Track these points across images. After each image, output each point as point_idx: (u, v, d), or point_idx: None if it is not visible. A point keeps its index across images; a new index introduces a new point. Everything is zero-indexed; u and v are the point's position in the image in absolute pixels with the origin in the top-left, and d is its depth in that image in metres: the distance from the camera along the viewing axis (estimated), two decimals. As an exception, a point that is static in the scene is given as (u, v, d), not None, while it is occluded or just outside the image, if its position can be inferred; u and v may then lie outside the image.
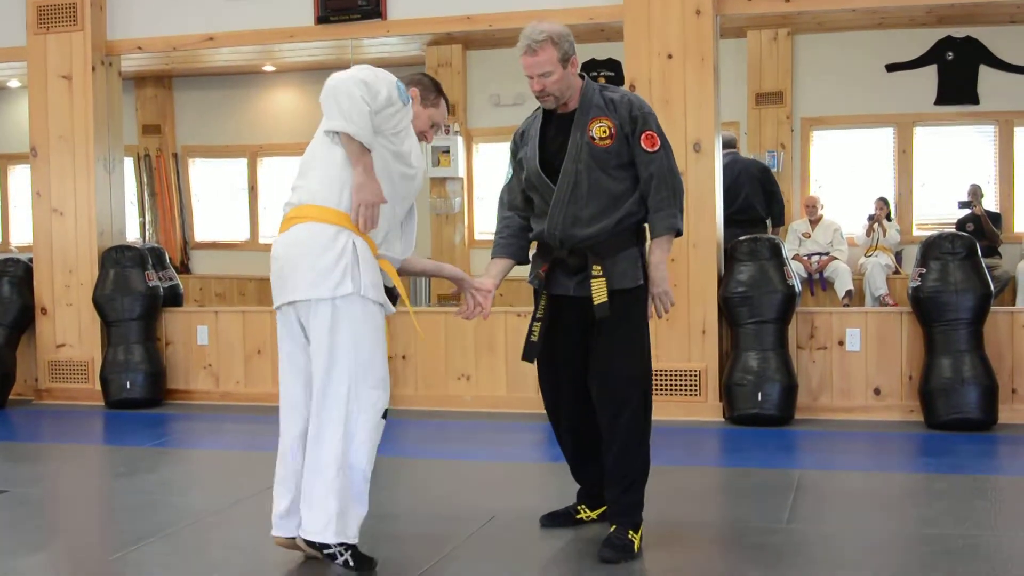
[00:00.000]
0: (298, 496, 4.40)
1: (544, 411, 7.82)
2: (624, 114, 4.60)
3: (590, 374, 4.69)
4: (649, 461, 4.70)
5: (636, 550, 4.53)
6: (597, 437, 4.75)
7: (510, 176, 4.94)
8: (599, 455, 4.79)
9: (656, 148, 4.58)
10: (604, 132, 4.58)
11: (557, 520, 4.99)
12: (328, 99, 4.25)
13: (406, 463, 6.69)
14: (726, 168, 8.64)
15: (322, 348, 4.27)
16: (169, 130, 14.18)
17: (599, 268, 4.57)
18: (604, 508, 4.86)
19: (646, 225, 4.69)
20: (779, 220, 9.97)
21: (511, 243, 4.92)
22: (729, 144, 9.50)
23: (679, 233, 4.64)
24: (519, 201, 4.88)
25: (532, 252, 4.91)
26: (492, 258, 4.96)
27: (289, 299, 4.32)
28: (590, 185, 4.57)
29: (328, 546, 4.30)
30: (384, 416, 4.40)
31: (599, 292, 4.54)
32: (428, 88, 4.70)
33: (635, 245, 4.65)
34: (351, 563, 4.33)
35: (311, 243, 4.26)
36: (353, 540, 4.33)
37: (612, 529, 4.60)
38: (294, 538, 4.44)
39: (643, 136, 4.58)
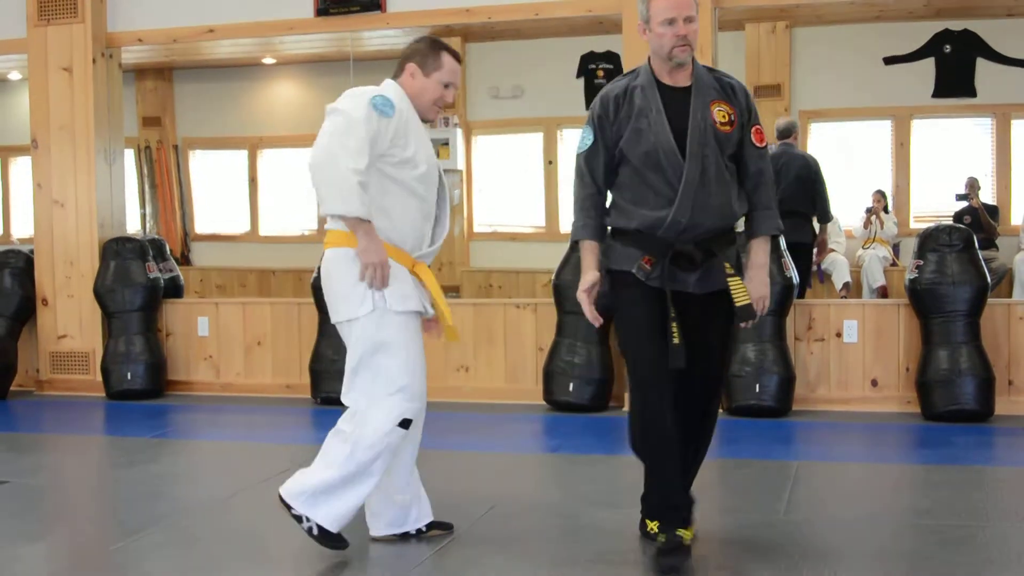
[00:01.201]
0: (381, 497, 4.61)
1: (543, 402, 7.87)
2: (743, 102, 4.33)
3: (697, 371, 4.30)
4: None
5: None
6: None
7: (589, 144, 4.38)
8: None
9: (764, 144, 4.36)
10: (725, 117, 4.27)
11: (675, 555, 4.31)
12: (318, 185, 4.26)
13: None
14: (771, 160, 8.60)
15: (348, 358, 4.44)
16: (169, 122, 14.19)
17: (729, 265, 4.29)
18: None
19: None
20: (823, 217, 9.69)
21: (598, 224, 4.40)
22: (785, 134, 9.40)
23: (778, 235, 4.44)
24: (602, 175, 4.38)
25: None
26: (582, 239, 4.41)
27: (332, 320, 4.53)
28: (716, 172, 4.24)
29: (292, 508, 4.41)
30: (404, 425, 4.40)
31: (740, 293, 4.24)
32: (426, 55, 4.53)
33: (735, 241, 4.39)
34: (315, 532, 4.40)
35: (333, 270, 4.43)
36: (318, 521, 4.38)
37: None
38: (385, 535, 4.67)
39: (755, 130, 4.34)
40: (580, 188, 4.42)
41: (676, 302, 4.24)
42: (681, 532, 4.29)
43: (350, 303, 4.38)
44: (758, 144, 4.34)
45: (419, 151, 4.46)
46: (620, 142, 4.30)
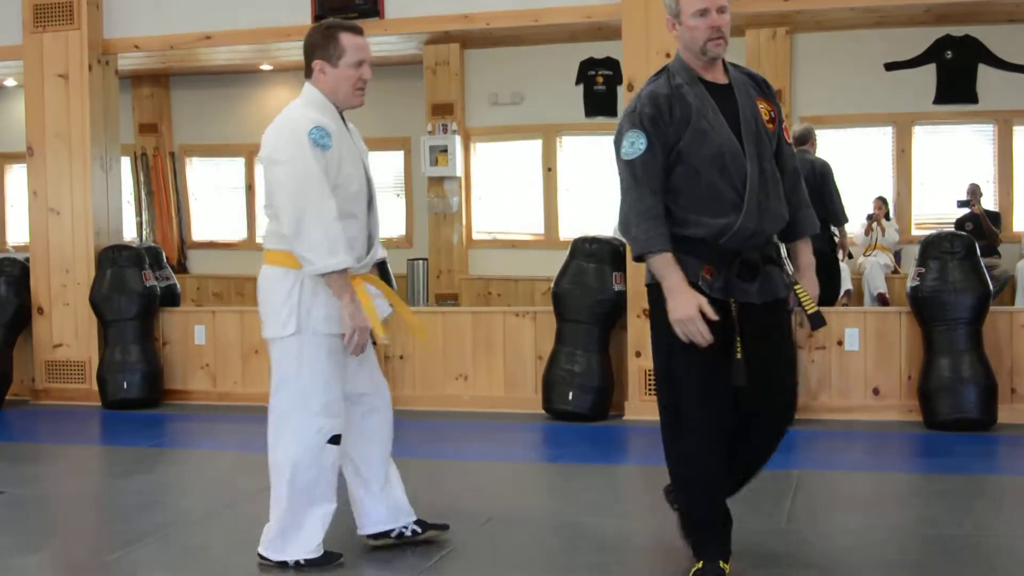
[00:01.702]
0: (364, 493, 4.69)
1: (543, 411, 7.83)
2: (774, 98, 4.14)
3: (763, 387, 4.11)
4: None
5: None
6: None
7: (643, 148, 4.00)
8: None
9: (792, 141, 4.16)
10: (768, 115, 4.07)
11: None
12: (302, 250, 4.26)
13: (404, 463, 6.64)
14: None
15: (272, 377, 4.48)
16: (166, 129, 14.17)
17: (792, 273, 4.11)
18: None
19: None
20: (835, 219, 9.28)
21: (667, 233, 3.99)
22: (801, 140, 9.35)
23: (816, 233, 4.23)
24: (660, 181, 4.01)
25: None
26: (655, 251, 3.97)
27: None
28: (772, 172, 4.03)
29: (271, 560, 4.48)
30: (334, 441, 4.44)
31: (808, 300, 4.05)
32: (326, 45, 4.40)
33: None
34: (302, 565, 4.46)
35: (267, 287, 4.46)
36: (295, 557, 4.45)
37: None
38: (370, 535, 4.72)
39: (784, 125, 4.15)
40: (638, 197, 4.00)
41: (739, 314, 4.00)
42: (724, 565, 4.11)
43: (277, 322, 4.40)
44: (789, 141, 4.19)
45: (351, 169, 4.43)
46: (678, 144, 3.98)
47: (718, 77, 4.07)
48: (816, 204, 9.34)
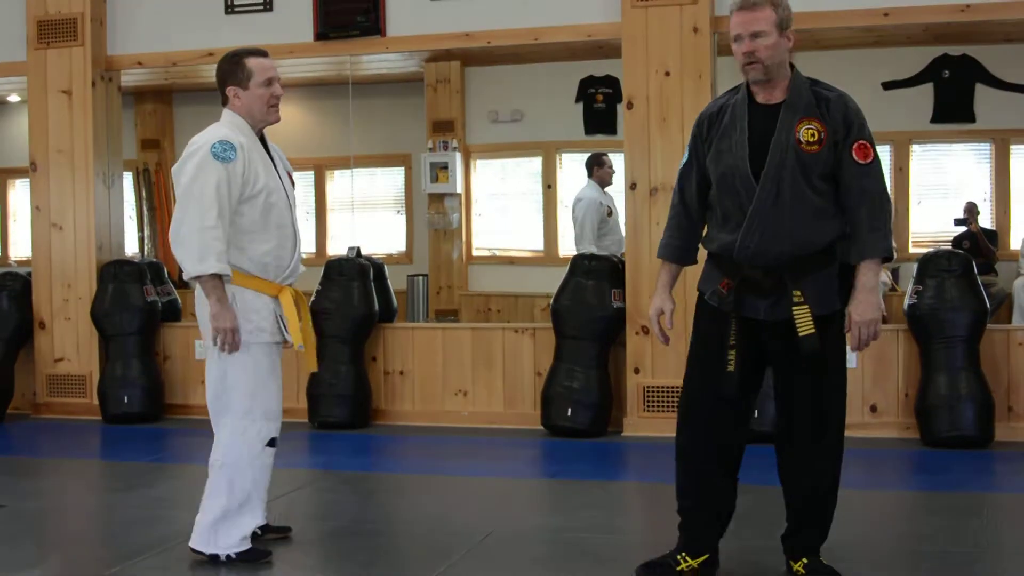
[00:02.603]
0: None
1: (542, 427, 7.85)
2: (837, 117, 4.10)
3: (784, 408, 4.31)
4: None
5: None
6: (739, 456, 4.41)
7: (684, 162, 4.38)
8: (734, 479, 4.44)
9: (870, 160, 4.10)
10: (813, 136, 4.08)
11: (655, 571, 4.43)
12: (178, 257, 4.58)
13: (403, 479, 6.70)
14: None
15: (209, 387, 4.75)
16: (168, 145, 14.19)
17: (799, 293, 4.09)
18: (707, 556, 4.42)
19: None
20: None
21: (681, 245, 4.38)
22: None
23: (890, 258, 4.21)
24: (694, 194, 4.33)
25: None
26: (661, 257, 4.44)
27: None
28: (793, 195, 4.08)
29: (202, 552, 4.73)
30: (271, 444, 4.74)
31: (804, 322, 4.06)
32: (234, 71, 4.74)
33: (833, 264, 4.18)
34: (233, 558, 4.70)
35: (200, 300, 4.66)
36: (228, 550, 4.70)
37: (806, 561, 4.37)
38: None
39: (856, 145, 4.09)
40: (672, 206, 4.43)
41: (753, 330, 4.18)
42: (683, 558, 4.37)
43: (210, 335, 4.62)
44: (860, 161, 4.09)
45: (267, 182, 4.69)
46: (706, 161, 4.27)
47: (773, 97, 4.18)
48: None
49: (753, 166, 4.10)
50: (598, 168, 10.40)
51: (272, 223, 4.71)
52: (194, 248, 4.50)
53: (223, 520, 4.67)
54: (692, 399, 4.35)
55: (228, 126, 4.72)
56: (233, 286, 4.61)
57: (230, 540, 4.68)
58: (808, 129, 4.08)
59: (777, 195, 4.06)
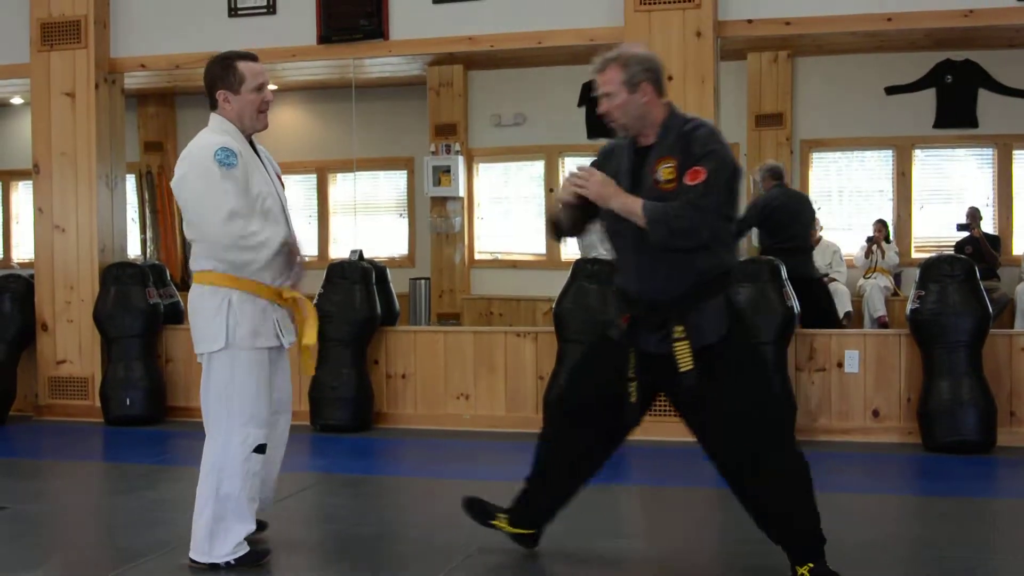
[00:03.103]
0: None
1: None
2: (688, 149, 4.17)
3: (702, 435, 4.38)
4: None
5: None
6: (590, 468, 4.72)
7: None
8: (573, 488, 4.75)
9: (696, 182, 4.10)
10: (670, 174, 4.16)
11: (475, 508, 4.92)
12: (233, 257, 4.60)
13: (405, 482, 6.70)
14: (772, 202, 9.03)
15: (202, 391, 4.72)
16: (171, 147, 14.21)
17: (681, 329, 4.17)
18: (527, 532, 4.78)
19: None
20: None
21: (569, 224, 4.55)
22: (778, 175, 9.50)
23: (649, 226, 4.12)
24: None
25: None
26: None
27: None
28: None
29: (199, 562, 4.69)
30: (259, 450, 4.69)
31: (684, 358, 4.15)
32: (225, 75, 4.69)
33: (718, 295, 4.26)
34: (232, 564, 4.67)
35: (197, 305, 4.70)
36: (225, 558, 4.66)
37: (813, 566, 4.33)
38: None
39: (691, 171, 4.13)
40: None
41: (647, 363, 4.29)
42: (497, 521, 4.82)
43: (206, 338, 4.64)
44: (688, 182, 4.12)
45: (262, 187, 4.69)
46: None
47: (648, 140, 4.30)
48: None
49: None
50: None
51: (268, 227, 4.70)
52: (243, 242, 4.56)
53: (216, 528, 4.64)
54: (560, 400, 4.74)
55: (221, 133, 4.67)
56: (230, 290, 4.60)
57: (225, 548, 4.65)
58: (666, 168, 4.17)
59: (644, 238, 4.15)
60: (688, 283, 4.20)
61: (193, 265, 4.74)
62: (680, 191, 4.12)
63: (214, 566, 4.66)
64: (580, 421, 4.57)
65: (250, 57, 4.75)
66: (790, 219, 9.19)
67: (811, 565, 4.30)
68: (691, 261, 4.19)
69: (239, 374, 4.63)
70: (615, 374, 4.34)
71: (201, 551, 4.67)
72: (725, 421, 4.24)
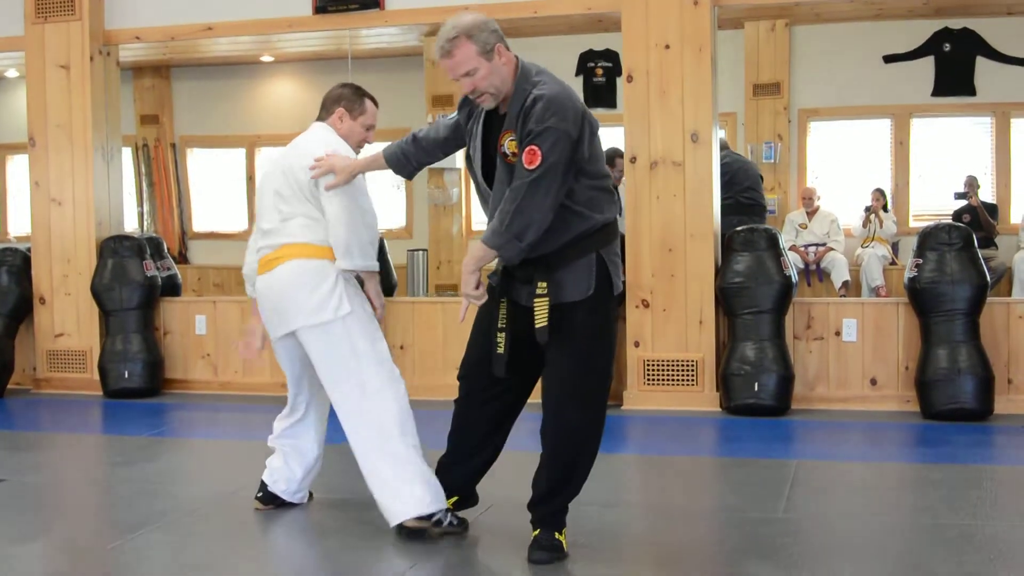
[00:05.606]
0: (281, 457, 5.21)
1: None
2: (531, 124, 4.07)
3: (544, 386, 4.50)
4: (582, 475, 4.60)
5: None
6: (497, 440, 4.82)
7: (454, 117, 4.58)
8: (483, 458, 4.83)
9: (532, 166, 4.04)
10: (515, 147, 4.13)
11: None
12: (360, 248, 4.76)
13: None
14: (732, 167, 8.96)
15: (328, 358, 4.76)
16: (167, 120, 14.18)
17: (544, 285, 4.20)
18: (455, 499, 4.81)
19: (608, 226, 4.30)
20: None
21: (403, 158, 4.74)
22: (724, 146, 9.50)
23: (496, 249, 4.19)
24: (431, 143, 4.66)
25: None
26: (384, 155, 4.81)
27: (292, 328, 4.78)
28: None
29: (410, 521, 4.64)
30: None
31: (540, 314, 4.18)
32: (352, 100, 5.02)
33: (590, 253, 4.24)
34: (454, 522, 4.72)
35: (307, 280, 4.74)
36: (431, 509, 4.64)
37: (538, 533, 4.46)
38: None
39: (526, 151, 4.05)
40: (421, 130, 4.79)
41: (520, 312, 4.31)
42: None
43: (327, 308, 4.70)
44: (526, 165, 4.05)
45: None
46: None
47: (504, 106, 4.26)
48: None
49: (486, 176, 4.31)
50: (609, 168, 10.14)
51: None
52: (367, 245, 4.79)
53: (415, 477, 4.67)
54: (465, 361, 4.67)
55: (328, 133, 4.97)
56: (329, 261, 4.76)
57: (435, 494, 4.69)
58: (511, 141, 4.15)
59: (500, 204, 4.17)
60: (561, 242, 4.21)
61: (294, 237, 4.80)
62: (517, 173, 4.10)
63: (435, 521, 4.66)
64: (473, 382, 4.64)
65: (375, 101, 5.10)
66: (747, 178, 9.22)
67: (539, 531, 4.43)
68: (563, 221, 4.18)
69: (372, 332, 4.81)
70: (491, 326, 4.41)
71: (416, 503, 4.64)
72: (561, 366, 4.34)
